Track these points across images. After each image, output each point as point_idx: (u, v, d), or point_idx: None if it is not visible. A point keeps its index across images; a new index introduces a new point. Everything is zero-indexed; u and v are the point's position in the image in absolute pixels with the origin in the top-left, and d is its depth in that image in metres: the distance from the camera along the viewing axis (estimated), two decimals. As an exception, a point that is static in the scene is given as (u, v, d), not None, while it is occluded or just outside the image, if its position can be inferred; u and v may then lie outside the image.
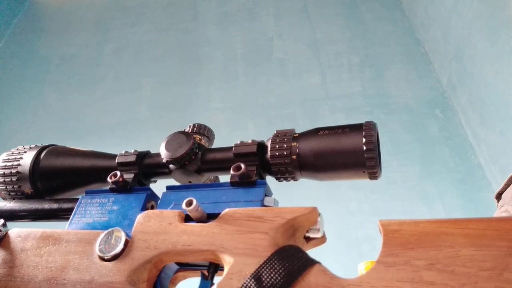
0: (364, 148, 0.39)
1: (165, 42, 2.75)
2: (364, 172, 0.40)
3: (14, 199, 0.52)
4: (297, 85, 2.33)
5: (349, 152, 0.40)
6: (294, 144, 0.42)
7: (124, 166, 0.47)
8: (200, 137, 0.47)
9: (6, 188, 0.52)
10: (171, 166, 0.46)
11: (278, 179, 0.44)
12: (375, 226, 0.33)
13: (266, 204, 0.39)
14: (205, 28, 2.79)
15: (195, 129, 0.47)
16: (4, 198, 0.53)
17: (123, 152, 0.49)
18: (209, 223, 0.37)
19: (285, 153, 0.42)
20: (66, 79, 2.65)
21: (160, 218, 0.39)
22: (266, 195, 0.40)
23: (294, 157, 0.42)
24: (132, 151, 0.48)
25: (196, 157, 0.45)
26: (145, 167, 0.48)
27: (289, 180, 0.44)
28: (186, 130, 0.48)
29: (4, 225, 0.46)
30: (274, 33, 2.65)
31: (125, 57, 2.71)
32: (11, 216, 0.50)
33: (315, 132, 0.42)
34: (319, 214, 0.36)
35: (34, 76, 2.70)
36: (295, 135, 0.44)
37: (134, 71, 2.60)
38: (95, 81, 2.59)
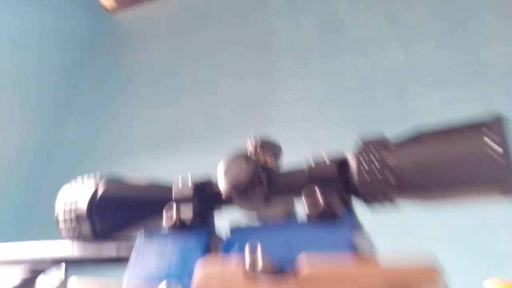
0: (496, 155, 0.27)
1: (236, 39, 2.71)
2: (499, 188, 0.28)
3: (74, 239, 0.48)
4: (378, 63, 2.13)
5: (473, 163, 0.28)
6: (388, 156, 0.31)
7: (181, 202, 0.40)
8: (264, 157, 0.37)
9: (66, 226, 0.48)
10: (232, 196, 0.37)
11: (368, 203, 0.33)
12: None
13: (358, 248, 0.29)
14: (274, 18, 2.69)
15: (257, 148, 0.38)
16: (65, 237, 0.49)
17: (179, 181, 0.41)
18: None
19: (377, 169, 0.31)
20: (149, 91, 2.72)
21: (221, 280, 0.30)
22: (355, 232, 0.30)
23: (389, 173, 0.31)
24: (190, 180, 0.41)
25: (261, 184, 0.36)
26: (204, 200, 0.40)
27: (383, 205, 0.33)
28: (247, 149, 0.39)
29: (65, 270, 0.42)
30: (346, 10, 2.46)
31: (200, 59, 2.72)
32: (70, 260, 0.46)
33: (417, 138, 0.31)
34: (439, 274, 0.24)
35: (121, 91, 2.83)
36: (386, 142, 0.33)
37: (210, 72, 2.59)
38: (175, 89, 2.62)
